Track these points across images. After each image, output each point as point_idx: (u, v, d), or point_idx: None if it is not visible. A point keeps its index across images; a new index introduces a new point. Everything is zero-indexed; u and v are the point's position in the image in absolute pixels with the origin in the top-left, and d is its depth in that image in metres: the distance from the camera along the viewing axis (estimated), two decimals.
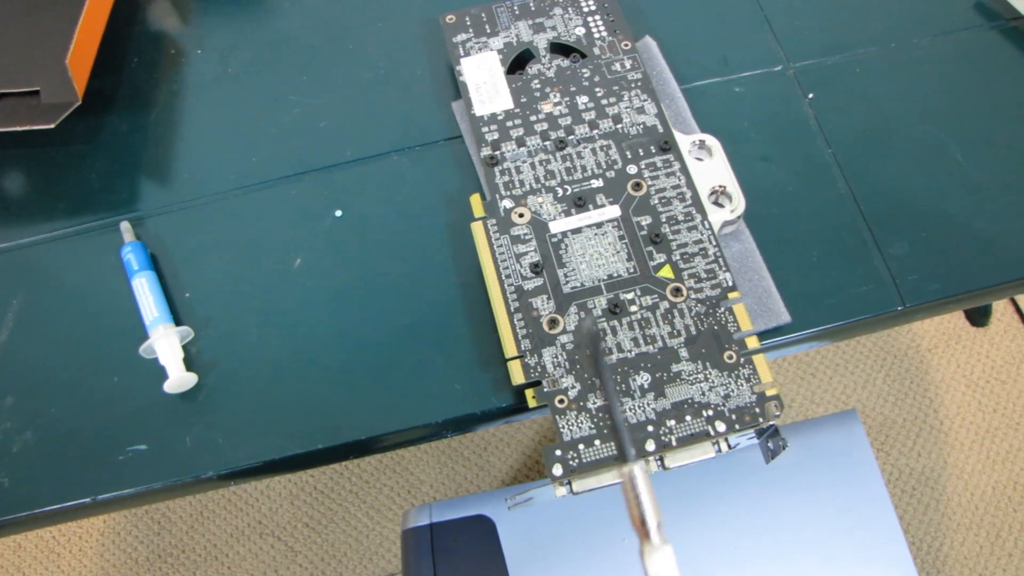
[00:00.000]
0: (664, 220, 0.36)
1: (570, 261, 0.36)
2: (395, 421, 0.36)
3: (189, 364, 0.37)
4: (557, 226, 0.36)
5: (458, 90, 0.41)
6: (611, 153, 0.38)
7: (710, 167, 0.38)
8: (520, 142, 0.39)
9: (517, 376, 0.34)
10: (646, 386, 0.33)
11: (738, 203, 0.37)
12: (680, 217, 0.36)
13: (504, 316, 0.35)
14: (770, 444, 0.34)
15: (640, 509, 0.17)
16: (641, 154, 0.38)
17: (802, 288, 0.37)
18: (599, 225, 0.36)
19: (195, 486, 0.36)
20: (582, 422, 0.33)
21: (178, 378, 0.36)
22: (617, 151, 0.38)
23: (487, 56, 0.41)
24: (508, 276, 0.35)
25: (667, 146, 0.38)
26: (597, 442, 0.32)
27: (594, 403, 0.33)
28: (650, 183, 0.37)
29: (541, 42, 0.42)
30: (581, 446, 0.32)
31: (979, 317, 1.00)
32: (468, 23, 0.43)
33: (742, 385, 0.33)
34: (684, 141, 0.39)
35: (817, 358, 1.00)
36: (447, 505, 0.56)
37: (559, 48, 0.42)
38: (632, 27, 0.42)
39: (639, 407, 0.33)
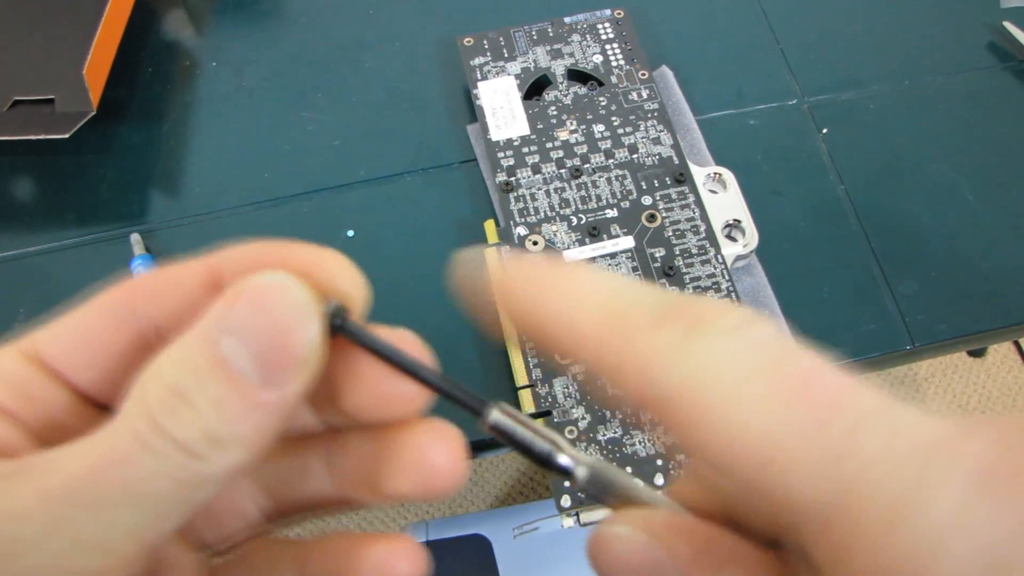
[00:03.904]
0: (678, 252, 0.36)
1: None
2: None
3: None
4: (571, 255, 0.36)
5: (474, 113, 0.41)
6: (626, 183, 0.38)
7: (724, 200, 0.38)
8: (536, 169, 0.39)
9: (527, 405, 0.34)
10: (656, 419, 0.33)
11: (751, 237, 0.37)
12: (694, 250, 0.36)
13: (515, 345, 0.35)
14: None
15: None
16: (656, 185, 0.38)
17: (812, 324, 0.37)
18: (613, 256, 0.36)
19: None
20: (592, 454, 0.33)
21: None
22: (632, 181, 0.38)
23: (504, 81, 0.41)
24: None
25: (682, 178, 0.38)
26: None
27: (604, 435, 0.33)
28: (664, 215, 0.37)
29: (559, 68, 0.42)
30: None
31: (976, 348, 1.01)
32: (486, 46, 0.43)
33: None
34: (699, 173, 0.39)
35: None
36: (444, 523, 0.56)
37: (576, 75, 0.42)
38: (649, 56, 0.42)
39: (649, 440, 0.33)
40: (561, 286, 0.15)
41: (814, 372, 0.12)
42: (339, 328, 0.15)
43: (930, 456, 0.11)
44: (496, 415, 0.15)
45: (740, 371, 0.12)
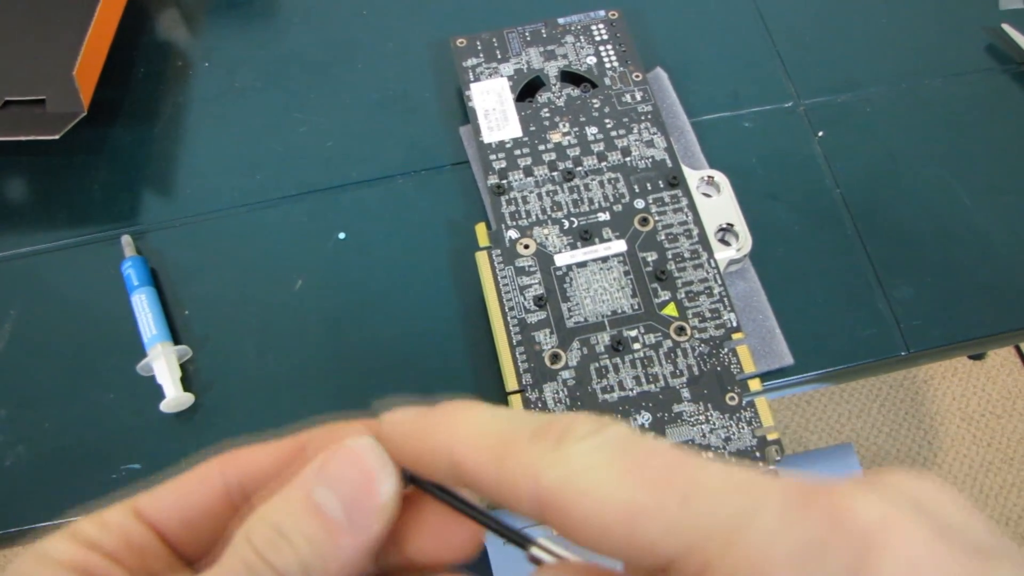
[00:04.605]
0: (670, 257, 0.36)
1: (574, 295, 0.35)
2: None
3: (186, 383, 0.37)
4: (562, 259, 0.36)
5: (466, 114, 0.41)
6: (619, 186, 0.38)
7: (718, 204, 0.38)
8: (528, 172, 0.39)
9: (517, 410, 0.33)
10: (647, 426, 0.33)
11: (745, 242, 0.37)
12: (686, 254, 0.36)
13: (506, 349, 0.34)
14: None
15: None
16: (649, 188, 0.38)
17: (806, 329, 0.37)
18: (605, 260, 0.36)
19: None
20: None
21: (175, 398, 0.36)
22: (625, 184, 0.38)
23: (497, 82, 0.41)
24: (511, 308, 0.35)
25: (675, 181, 0.38)
26: None
27: None
28: (657, 218, 0.37)
29: (552, 70, 0.42)
30: None
31: (973, 353, 1.00)
32: (479, 47, 0.42)
33: (743, 428, 0.33)
34: (692, 176, 0.38)
35: None
36: None
37: (569, 77, 0.41)
38: (643, 58, 0.42)
39: None
40: (447, 427, 0.17)
41: (653, 452, 0.15)
42: (411, 479, 0.18)
43: (747, 493, 0.14)
44: (535, 550, 0.17)
45: (598, 462, 0.15)
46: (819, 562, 0.13)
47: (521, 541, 0.17)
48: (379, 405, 0.19)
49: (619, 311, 0.35)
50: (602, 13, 0.43)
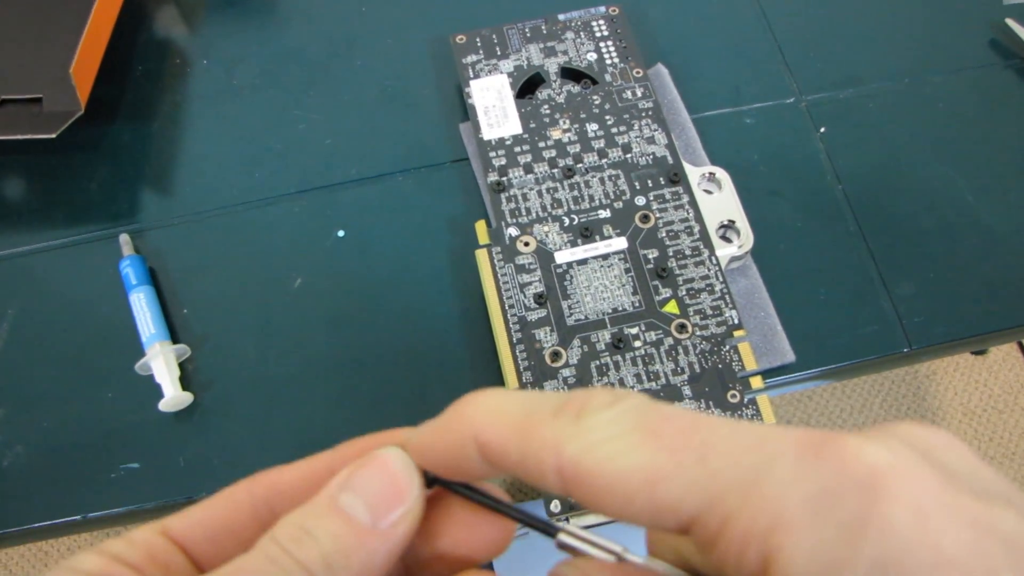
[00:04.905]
0: (671, 254, 0.36)
1: (575, 293, 0.35)
2: None
3: (185, 382, 0.37)
4: (563, 256, 0.36)
5: (466, 111, 0.41)
6: (619, 183, 0.38)
7: (719, 200, 0.38)
8: (528, 169, 0.38)
9: None
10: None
11: (746, 238, 0.37)
12: (687, 251, 0.36)
13: (506, 347, 0.34)
14: None
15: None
16: (650, 185, 0.38)
17: (808, 326, 0.37)
18: (605, 257, 0.36)
19: (188, 506, 0.36)
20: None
21: (173, 397, 0.36)
22: (626, 181, 0.38)
23: (497, 79, 0.41)
24: (511, 306, 0.35)
25: (676, 178, 0.38)
26: None
27: None
28: (658, 215, 0.37)
29: (552, 66, 0.41)
30: None
31: (975, 349, 1.00)
32: (478, 44, 0.42)
33: None
34: (693, 173, 0.38)
35: None
36: None
37: (570, 73, 0.41)
38: (644, 54, 0.42)
39: None
40: (470, 414, 0.18)
41: (669, 417, 0.16)
42: (435, 481, 0.19)
43: (761, 448, 0.15)
44: (562, 536, 0.17)
45: (617, 432, 0.16)
46: (832, 508, 0.13)
47: (548, 529, 0.18)
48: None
49: (620, 309, 0.35)
50: (603, 9, 0.43)
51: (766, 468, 0.14)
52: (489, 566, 0.47)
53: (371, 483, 0.18)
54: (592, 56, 0.41)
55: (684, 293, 0.35)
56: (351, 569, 0.17)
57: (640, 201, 0.37)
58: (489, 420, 0.17)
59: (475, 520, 0.19)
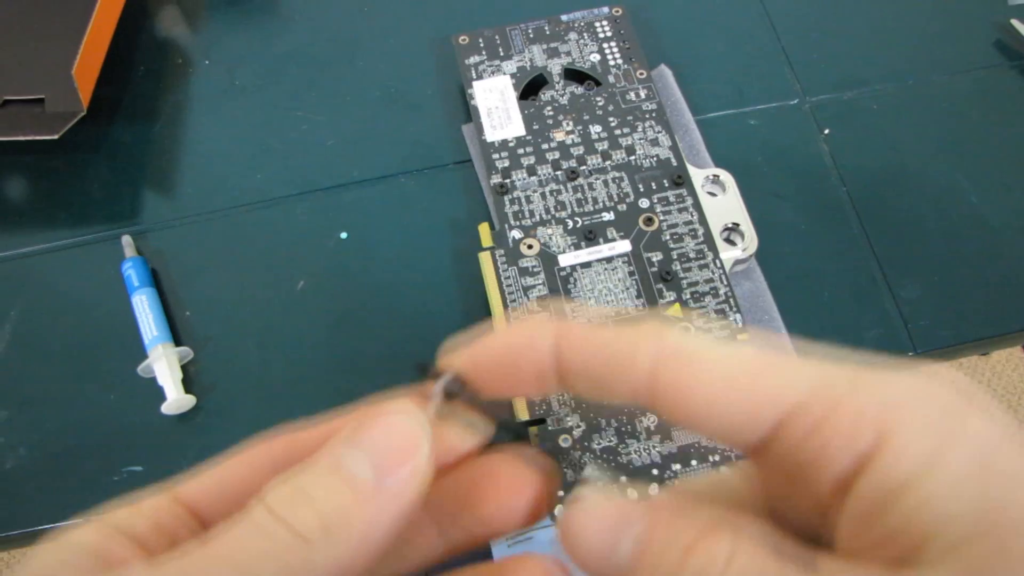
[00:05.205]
0: (675, 257, 0.36)
1: (578, 296, 0.35)
2: None
3: (188, 385, 0.37)
4: (566, 259, 0.36)
5: (469, 113, 0.41)
6: (623, 186, 0.38)
7: (723, 203, 0.38)
8: (531, 171, 0.38)
9: (521, 412, 0.33)
10: (652, 428, 0.33)
11: (750, 241, 0.37)
12: (691, 254, 0.36)
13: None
14: None
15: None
16: (654, 188, 0.37)
17: (812, 329, 0.37)
18: (609, 260, 0.36)
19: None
20: (585, 463, 0.32)
21: (176, 400, 0.36)
22: (629, 184, 0.38)
23: (500, 80, 0.41)
24: (515, 310, 0.35)
25: (680, 180, 0.37)
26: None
27: (599, 443, 0.32)
28: (662, 218, 0.37)
29: (555, 67, 0.41)
30: None
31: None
32: (481, 45, 0.42)
33: None
34: (697, 175, 0.38)
35: None
36: None
37: (573, 74, 0.41)
38: (647, 55, 0.42)
39: (644, 449, 0.32)
40: (544, 326, 0.17)
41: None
42: (457, 394, 0.18)
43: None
44: (590, 469, 0.18)
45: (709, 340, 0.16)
46: (937, 396, 0.14)
47: (578, 464, 0.17)
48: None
49: (624, 312, 0.35)
50: (606, 10, 0.43)
51: (865, 368, 0.15)
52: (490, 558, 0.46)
53: (377, 438, 0.16)
54: (595, 57, 0.41)
55: (688, 296, 0.35)
56: (353, 533, 0.15)
57: (644, 204, 0.37)
58: (573, 327, 0.17)
59: (512, 491, 0.18)
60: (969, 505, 0.13)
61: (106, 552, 0.17)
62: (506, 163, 0.38)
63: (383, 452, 0.16)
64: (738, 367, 0.15)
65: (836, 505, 0.15)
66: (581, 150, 0.39)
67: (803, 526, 0.16)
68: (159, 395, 0.36)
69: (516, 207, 0.37)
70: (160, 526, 0.17)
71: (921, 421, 0.14)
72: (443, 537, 0.19)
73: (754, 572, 0.14)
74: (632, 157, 0.38)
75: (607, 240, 0.36)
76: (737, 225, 0.37)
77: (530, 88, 0.41)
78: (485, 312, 0.37)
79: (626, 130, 0.39)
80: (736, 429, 0.16)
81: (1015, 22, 0.43)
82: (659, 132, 0.39)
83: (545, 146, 0.39)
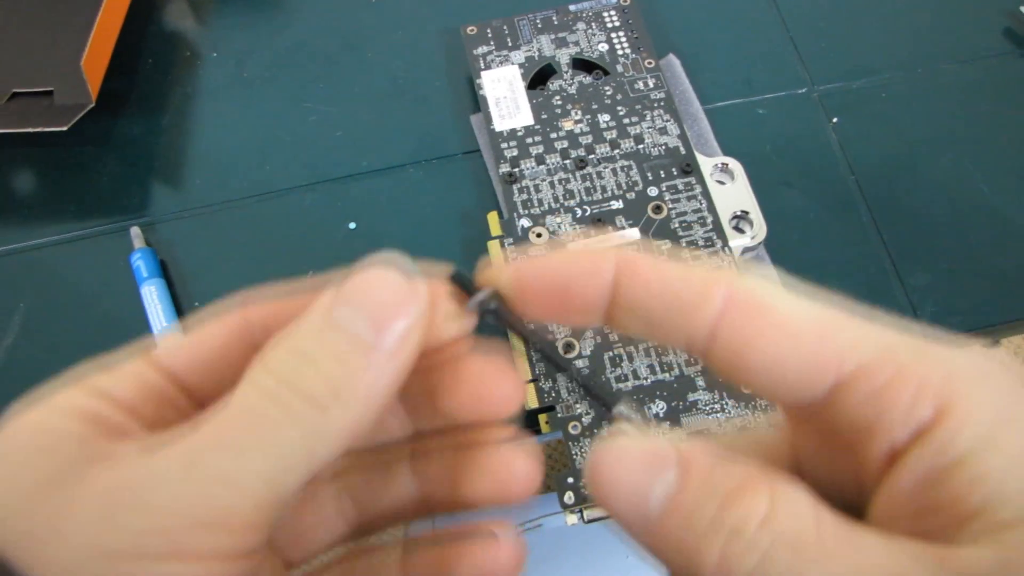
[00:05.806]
0: (684, 245, 0.36)
1: None
2: None
3: None
4: (576, 248, 0.36)
5: (477, 103, 0.41)
6: (632, 174, 0.38)
7: (732, 191, 0.37)
8: (540, 160, 0.38)
9: (531, 400, 0.33)
10: (662, 415, 0.33)
11: (759, 229, 0.37)
12: (700, 242, 0.36)
13: (518, 338, 0.34)
14: None
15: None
16: (662, 176, 0.37)
17: None
18: (618, 248, 0.36)
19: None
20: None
21: None
22: (638, 172, 0.38)
23: (508, 70, 0.41)
24: None
25: (689, 168, 0.37)
26: None
27: (608, 431, 0.32)
28: (671, 206, 0.37)
29: (563, 57, 0.41)
30: None
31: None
32: (489, 35, 0.42)
33: (759, 416, 0.32)
34: (706, 163, 0.38)
35: None
36: (450, 518, 0.56)
37: (581, 64, 0.41)
38: (655, 44, 0.42)
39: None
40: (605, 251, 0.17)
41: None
42: (492, 311, 0.17)
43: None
44: (621, 407, 0.17)
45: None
46: (999, 373, 0.14)
47: (608, 400, 0.17)
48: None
49: None
50: (614, 0, 0.43)
51: (929, 339, 0.15)
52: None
53: (369, 293, 0.16)
54: (604, 47, 0.41)
55: None
56: (359, 396, 0.15)
57: (653, 192, 0.37)
58: (638, 254, 0.16)
59: (486, 379, 0.18)
60: None
61: (103, 419, 0.16)
62: (515, 152, 0.38)
63: (376, 307, 0.15)
64: (807, 323, 0.15)
65: (879, 472, 0.15)
66: (590, 139, 0.39)
67: (832, 489, 0.15)
68: None
69: (525, 196, 0.37)
70: (146, 394, 0.17)
71: (982, 398, 0.14)
72: (412, 418, 0.19)
73: (791, 534, 0.13)
74: (640, 146, 0.38)
75: (616, 228, 0.36)
76: (746, 213, 0.37)
77: (538, 78, 0.41)
78: None
79: (634, 119, 0.39)
80: (794, 387, 0.15)
81: None
82: (667, 121, 0.39)
83: (554, 135, 0.39)
